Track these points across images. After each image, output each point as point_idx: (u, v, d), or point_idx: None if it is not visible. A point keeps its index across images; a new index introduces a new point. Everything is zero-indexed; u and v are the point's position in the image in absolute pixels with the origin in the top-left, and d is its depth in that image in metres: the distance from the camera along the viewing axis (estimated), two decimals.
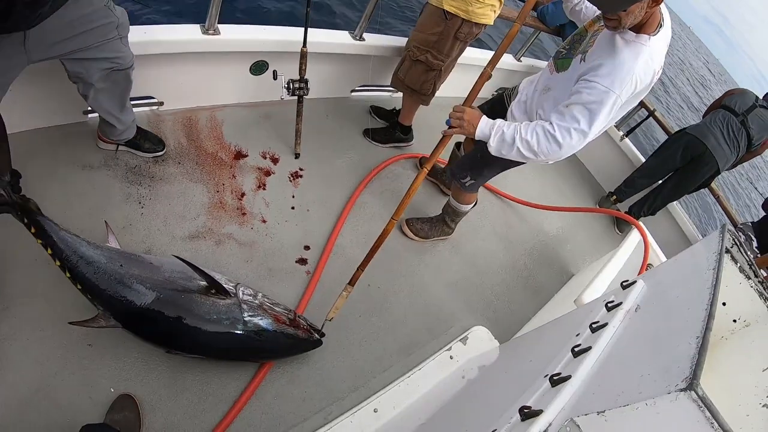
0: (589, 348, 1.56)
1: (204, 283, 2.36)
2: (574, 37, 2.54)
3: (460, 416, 2.19)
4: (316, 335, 2.59)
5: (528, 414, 1.32)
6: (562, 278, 4.16)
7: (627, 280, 2.04)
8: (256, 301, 2.45)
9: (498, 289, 3.71)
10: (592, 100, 2.19)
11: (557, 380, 1.45)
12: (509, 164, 2.92)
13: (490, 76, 2.49)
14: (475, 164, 3.09)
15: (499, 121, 2.44)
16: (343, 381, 2.68)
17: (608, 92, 2.16)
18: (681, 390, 1.00)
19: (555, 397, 1.35)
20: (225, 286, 2.38)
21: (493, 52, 2.51)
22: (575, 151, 2.42)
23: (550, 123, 2.31)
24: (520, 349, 2.70)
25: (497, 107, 3.06)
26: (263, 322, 2.39)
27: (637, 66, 2.16)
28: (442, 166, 4.17)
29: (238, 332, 2.32)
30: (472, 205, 3.52)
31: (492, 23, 3.37)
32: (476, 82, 2.38)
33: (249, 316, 2.36)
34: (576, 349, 1.60)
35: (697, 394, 0.98)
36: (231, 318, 2.32)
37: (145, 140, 3.05)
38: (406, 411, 2.56)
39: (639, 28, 2.17)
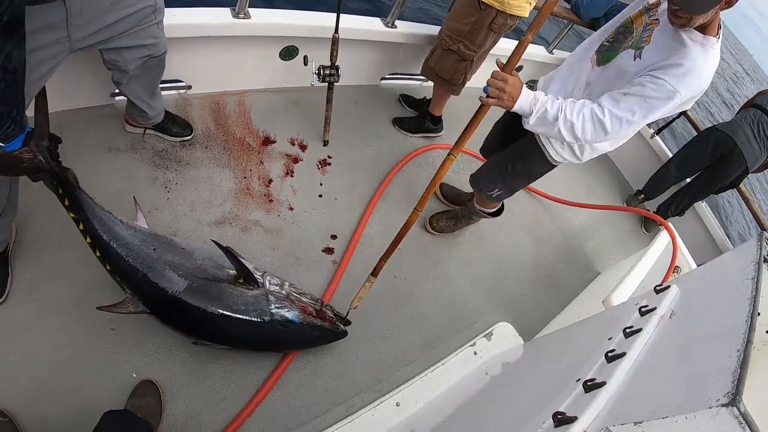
0: (624, 354, 1.52)
1: (232, 271, 2.36)
2: (618, 29, 2.41)
3: (485, 415, 2.17)
4: (342, 327, 2.58)
5: (562, 420, 1.30)
6: (588, 276, 4.12)
7: (660, 284, 2.00)
8: (283, 292, 2.45)
9: (523, 284, 3.68)
10: (656, 96, 2.09)
11: (591, 386, 1.42)
12: (540, 174, 2.85)
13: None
14: (505, 176, 2.98)
15: (540, 95, 2.26)
16: (366, 374, 2.68)
17: (675, 93, 2.06)
18: (723, 405, 0.97)
19: (589, 404, 1.31)
20: (254, 275, 2.38)
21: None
22: (613, 142, 2.37)
23: (601, 108, 2.18)
24: (546, 348, 2.67)
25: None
26: (290, 313, 2.38)
27: (705, 70, 2.08)
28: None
29: (265, 324, 2.32)
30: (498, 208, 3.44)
31: (527, 15, 3.32)
32: (517, 47, 2.15)
33: (276, 307, 2.35)
34: (610, 354, 1.57)
35: (739, 410, 0.95)
36: (258, 309, 2.31)
37: (173, 124, 3.06)
38: (429, 406, 2.55)
39: (703, 29, 2.07)
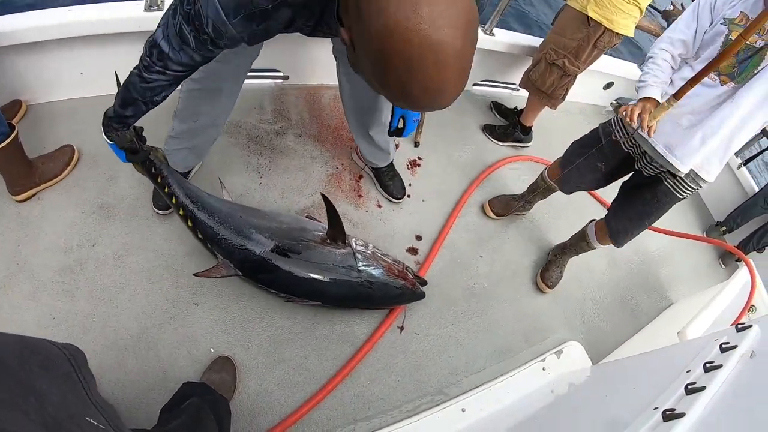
0: (704, 388, 1.54)
1: (318, 233, 2.50)
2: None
3: None
4: (421, 288, 2.69)
5: None
6: (661, 305, 4.05)
7: (743, 323, 1.99)
8: (369, 251, 2.58)
9: (597, 305, 3.66)
10: None
11: (670, 416, 1.44)
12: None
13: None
14: (642, 228, 2.83)
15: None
16: (435, 376, 2.73)
17: None
18: None
19: None
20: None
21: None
22: None
23: None
24: (616, 373, 2.66)
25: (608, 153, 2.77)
26: (376, 271, 2.52)
27: None
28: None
29: (353, 279, 2.46)
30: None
31: (632, 35, 3.31)
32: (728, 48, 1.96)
33: (363, 265, 2.49)
34: (690, 387, 1.59)
35: None
36: (347, 266, 2.45)
37: None
38: (493, 416, 2.59)
39: None
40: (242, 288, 2.60)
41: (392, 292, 2.60)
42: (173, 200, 2.34)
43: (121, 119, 1.89)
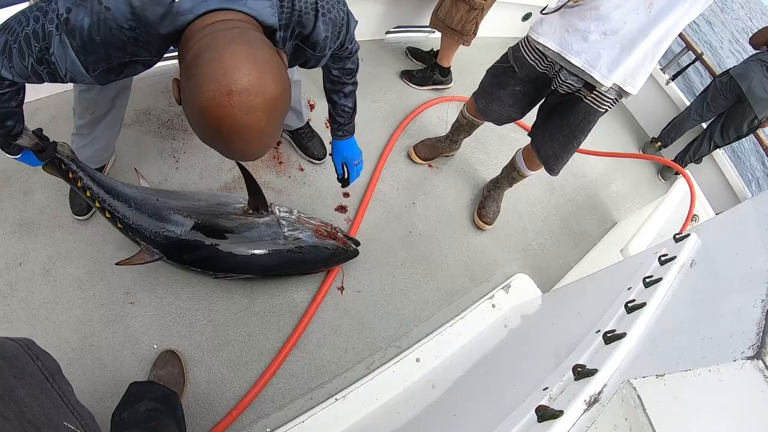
0: (644, 304, 1.51)
1: (239, 205, 2.43)
2: None
3: (504, 368, 2.18)
4: (353, 246, 2.67)
5: (582, 373, 1.29)
6: (605, 225, 4.09)
7: (680, 233, 1.97)
8: (294, 216, 2.51)
9: (540, 235, 3.67)
10: None
11: (611, 337, 1.41)
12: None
13: None
14: (572, 151, 2.80)
15: None
16: (385, 330, 2.70)
17: None
18: (747, 358, 0.96)
19: (609, 356, 1.30)
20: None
21: None
22: None
23: None
24: (565, 299, 2.66)
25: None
26: (303, 234, 2.46)
27: None
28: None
29: (281, 247, 2.40)
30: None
31: None
32: None
33: (289, 230, 2.43)
34: (630, 305, 1.56)
35: (765, 363, 0.93)
36: (272, 233, 2.39)
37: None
38: (449, 360, 2.57)
39: None
40: (174, 278, 2.51)
41: (324, 254, 2.54)
42: (87, 194, 2.22)
43: (6, 133, 1.77)
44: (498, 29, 4.84)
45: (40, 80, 1.45)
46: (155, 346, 2.32)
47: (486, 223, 3.37)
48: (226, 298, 2.53)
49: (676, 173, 4.80)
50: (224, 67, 1.15)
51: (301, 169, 3.14)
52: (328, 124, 3.34)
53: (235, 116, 1.17)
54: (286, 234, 2.41)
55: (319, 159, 3.17)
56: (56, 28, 1.29)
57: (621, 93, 2.42)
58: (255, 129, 1.22)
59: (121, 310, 2.37)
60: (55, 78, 1.43)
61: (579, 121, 2.57)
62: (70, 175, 2.18)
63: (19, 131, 1.81)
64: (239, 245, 2.33)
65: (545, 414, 1.19)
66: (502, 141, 3.98)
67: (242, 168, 2.30)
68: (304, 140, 3.13)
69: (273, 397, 2.36)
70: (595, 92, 2.43)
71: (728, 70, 4.97)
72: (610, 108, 2.52)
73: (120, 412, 1.80)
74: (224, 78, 1.14)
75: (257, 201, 2.38)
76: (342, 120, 2.41)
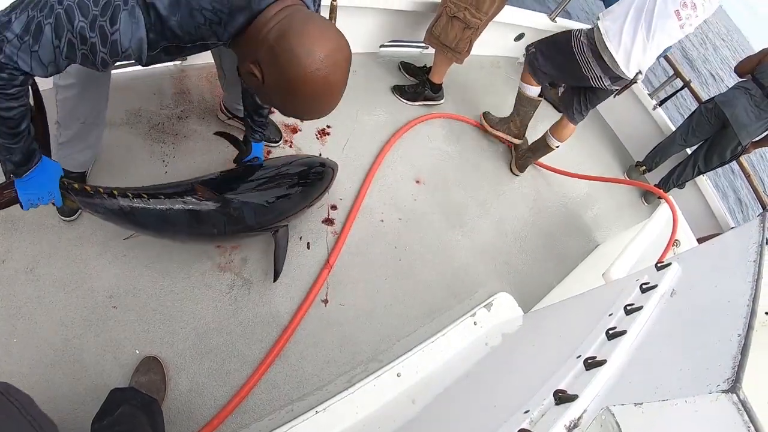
0: (625, 332, 1.54)
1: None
2: None
3: (485, 387, 2.20)
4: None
5: (563, 398, 1.31)
6: (587, 247, 4.14)
7: (661, 261, 2.01)
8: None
9: (523, 255, 3.70)
10: None
11: (592, 363, 1.44)
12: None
13: None
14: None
15: None
16: (367, 344, 2.70)
17: None
18: (723, 392, 0.99)
19: (589, 382, 1.33)
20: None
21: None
22: None
23: None
24: (546, 321, 2.68)
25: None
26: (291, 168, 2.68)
27: None
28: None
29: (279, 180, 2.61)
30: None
31: None
32: None
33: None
34: (611, 332, 1.59)
35: (739, 397, 0.96)
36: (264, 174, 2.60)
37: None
38: (430, 376, 2.58)
39: None
40: (160, 283, 2.49)
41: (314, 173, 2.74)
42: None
43: (17, 166, 1.70)
44: (491, 48, 4.90)
45: (59, 68, 1.40)
46: (137, 352, 2.30)
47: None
48: (210, 306, 2.52)
49: (659, 197, 4.87)
50: (312, 38, 1.40)
51: None
52: (321, 135, 3.38)
53: (327, 77, 1.44)
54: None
55: (276, 142, 3.22)
56: (124, 3, 1.29)
57: None
58: (341, 84, 1.54)
59: (104, 313, 2.34)
60: (86, 60, 1.39)
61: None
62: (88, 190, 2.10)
63: (31, 136, 1.67)
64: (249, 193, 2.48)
65: None
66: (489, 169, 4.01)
67: (222, 133, 2.67)
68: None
69: (254, 407, 2.35)
70: None
71: (713, 97, 5.06)
72: None
73: (100, 419, 1.80)
74: (316, 46, 1.39)
75: (242, 153, 2.65)
76: (262, 129, 2.62)
